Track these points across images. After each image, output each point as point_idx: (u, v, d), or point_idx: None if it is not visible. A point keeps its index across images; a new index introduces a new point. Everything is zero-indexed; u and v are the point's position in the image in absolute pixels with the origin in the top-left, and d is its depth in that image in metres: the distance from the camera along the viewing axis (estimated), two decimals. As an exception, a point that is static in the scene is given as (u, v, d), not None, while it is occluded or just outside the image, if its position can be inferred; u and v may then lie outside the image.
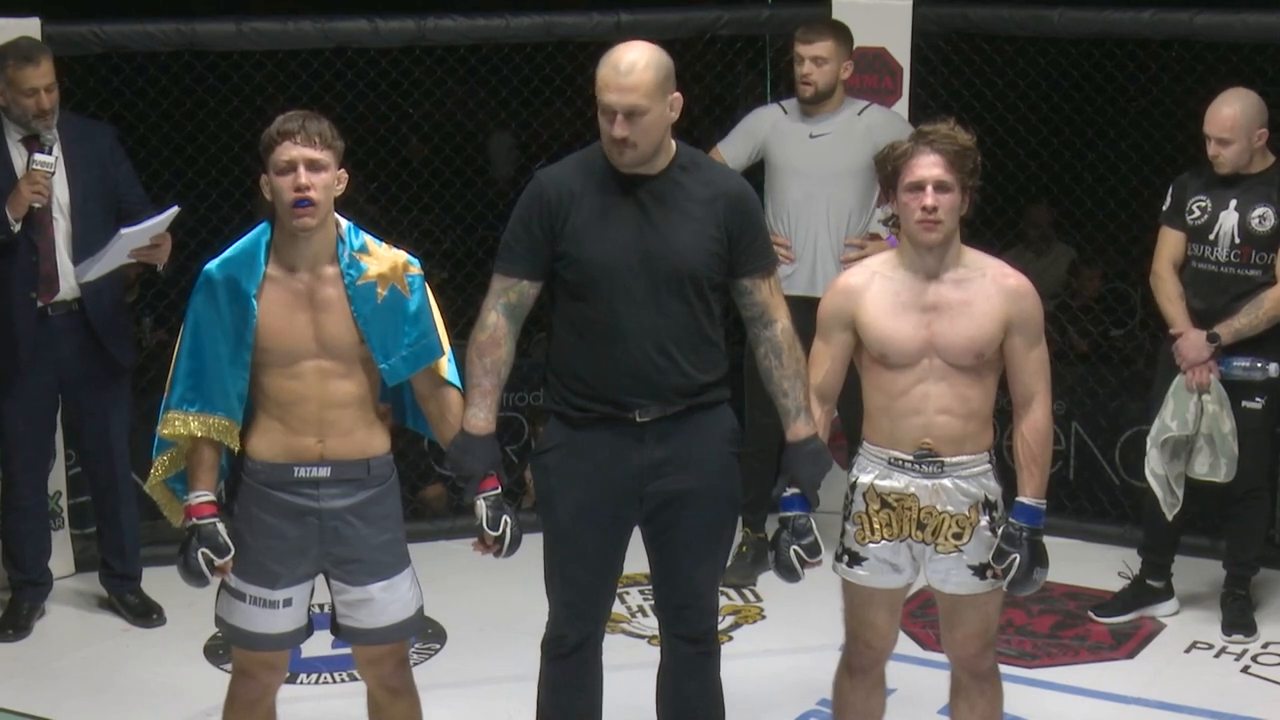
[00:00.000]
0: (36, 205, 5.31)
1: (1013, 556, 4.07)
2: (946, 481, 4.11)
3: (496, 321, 4.09)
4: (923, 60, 6.39)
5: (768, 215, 5.75)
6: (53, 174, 5.33)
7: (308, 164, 3.89)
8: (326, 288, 3.96)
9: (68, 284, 5.45)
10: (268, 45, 6.23)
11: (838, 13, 6.26)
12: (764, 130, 5.90)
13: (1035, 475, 4.12)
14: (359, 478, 4.03)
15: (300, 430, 3.98)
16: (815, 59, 5.75)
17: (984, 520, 4.13)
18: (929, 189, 4.01)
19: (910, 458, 4.11)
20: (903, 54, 6.31)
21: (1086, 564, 5.99)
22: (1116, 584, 5.92)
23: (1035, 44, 6.49)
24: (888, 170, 4.09)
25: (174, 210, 5.40)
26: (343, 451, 4.00)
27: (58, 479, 5.89)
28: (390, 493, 4.11)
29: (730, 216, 4.06)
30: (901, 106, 6.25)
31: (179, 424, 3.99)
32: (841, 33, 5.84)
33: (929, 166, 4.02)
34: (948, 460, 4.11)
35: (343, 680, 5.21)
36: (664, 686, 4.40)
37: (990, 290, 4.08)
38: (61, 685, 5.28)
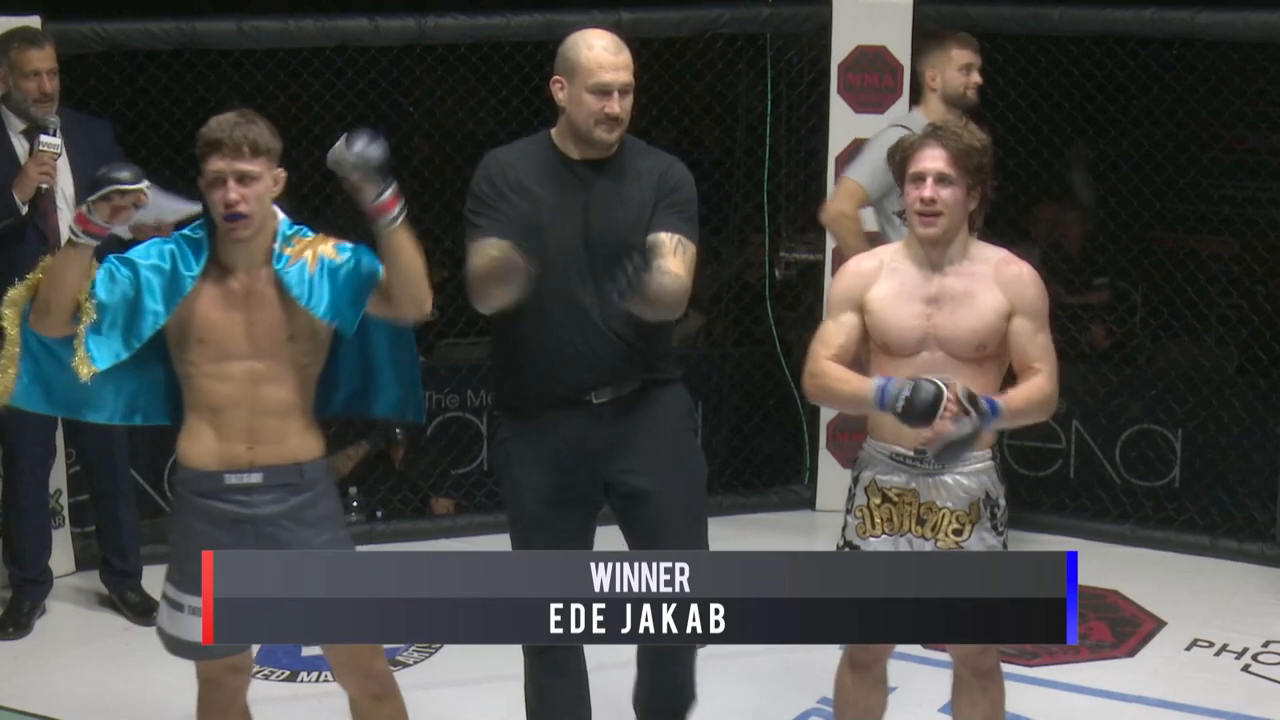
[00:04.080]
0: (44, 187, 5.31)
1: (964, 423, 3.90)
2: (947, 478, 4.10)
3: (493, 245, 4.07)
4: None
5: (894, 237, 5.55)
6: (59, 155, 5.32)
7: (237, 177, 3.77)
8: (261, 286, 3.87)
9: None
10: (268, 44, 6.22)
11: (838, 10, 6.27)
12: None
13: (1015, 396, 4.03)
14: (292, 482, 3.91)
15: (230, 436, 3.87)
16: (980, 67, 5.67)
17: (986, 518, 4.12)
18: (929, 181, 4.03)
19: (911, 453, 4.10)
20: (903, 52, 6.31)
21: (1086, 564, 5.96)
22: (1117, 583, 5.92)
23: (1036, 42, 6.50)
24: (897, 161, 4.12)
25: (197, 208, 5.36)
26: (274, 457, 3.89)
27: (58, 477, 5.89)
28: (325, 494, 3.98)
29: (662, 185, 4.15)
30: (902, 105, 6.25)
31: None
32: None
33: (932, 159, 4.04)
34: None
35: (343, 679, 5.21)
36: (640, 676, 4.47)
37: (991, 280, 4.09)
38: (62, 683, 5.28)
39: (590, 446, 4.17)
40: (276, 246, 3.88)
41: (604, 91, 4.08)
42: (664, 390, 4.24)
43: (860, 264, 4.20)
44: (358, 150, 3.76)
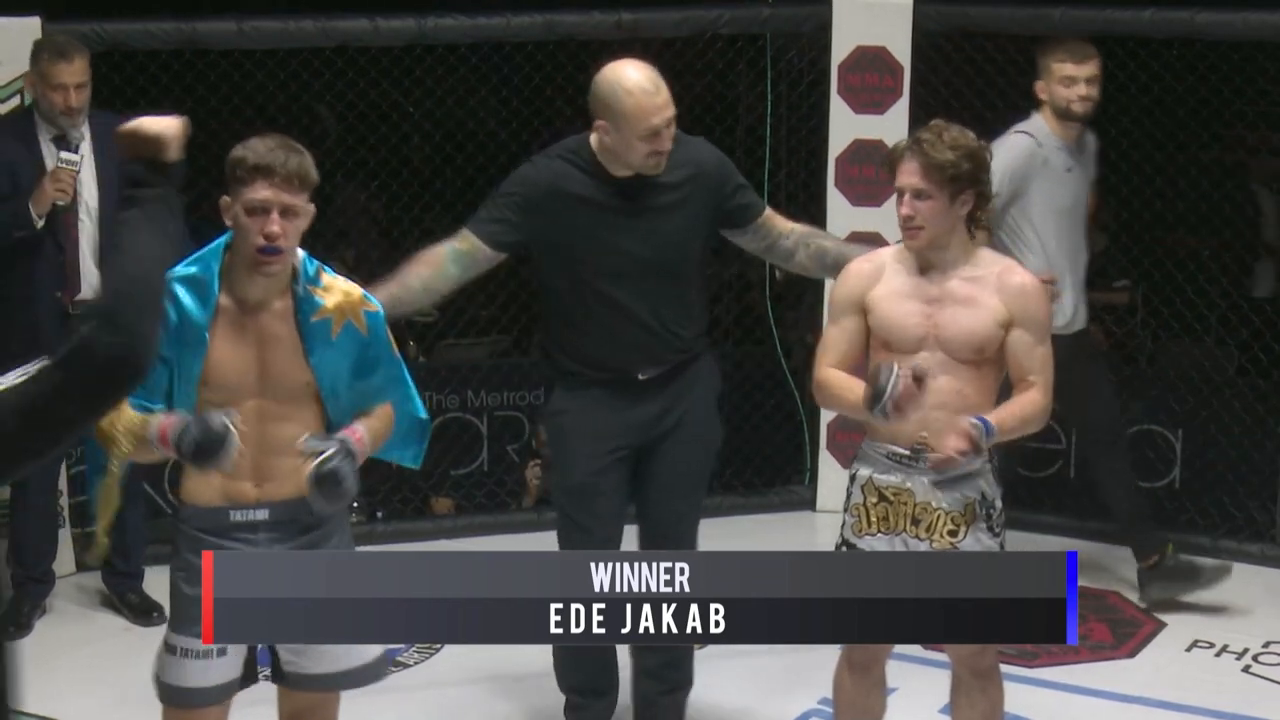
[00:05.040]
0: (60, 204, 5.32)
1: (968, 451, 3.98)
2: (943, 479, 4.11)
3: (441, 251, 4.39)
4: (924, 59, 6.39)
5: (1016, 254, 5.43)
6: (78, 172, 5.33)
7: (282, 209, 3.58)
8: (276, 323, 3.68)
9: (89, 286, 5.45)
10: (268, 44, 6.23)
11: (838, 11, 6.27)
12: (1027, 167, 5.52)
13: (1007, 413, 4.06)
14: (298, 518, 3.72)
15: (237, 473, 3.65)
16: (1090, 79, 5.50)
17: (981, 520, 4.12)
18: (907, 197, 4.05)
19: (907, 453, 4.10)
20: (903, 53, 6.31)
21: (1087, 564, 5.98)
22: (1117, 583, 5.92)
23: (1037, 42, 6.49)
24: (888, 171, 4.14)
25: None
26: (282, 493, 3.70)
27: (60, 478, 5.89)
28: (337, 530, 3.81)
29: (711, 188, 4.47)
30: (902, 106, 6.26)
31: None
32: (1097, 49, 5.62)
33: (907, 174, 4.05)
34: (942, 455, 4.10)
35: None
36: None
37: (994, 288, 4.10)
38: (62, 683, 5.28)
39: (636, 416, 4.49)
40: (301, 287, 3.69)
41: (652, 134, 4.27)
42: (697, 363, 4.59)
43: (861, 266, 4.23)
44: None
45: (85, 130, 5.42)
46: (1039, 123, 5.55)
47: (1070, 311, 5.58)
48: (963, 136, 4.06)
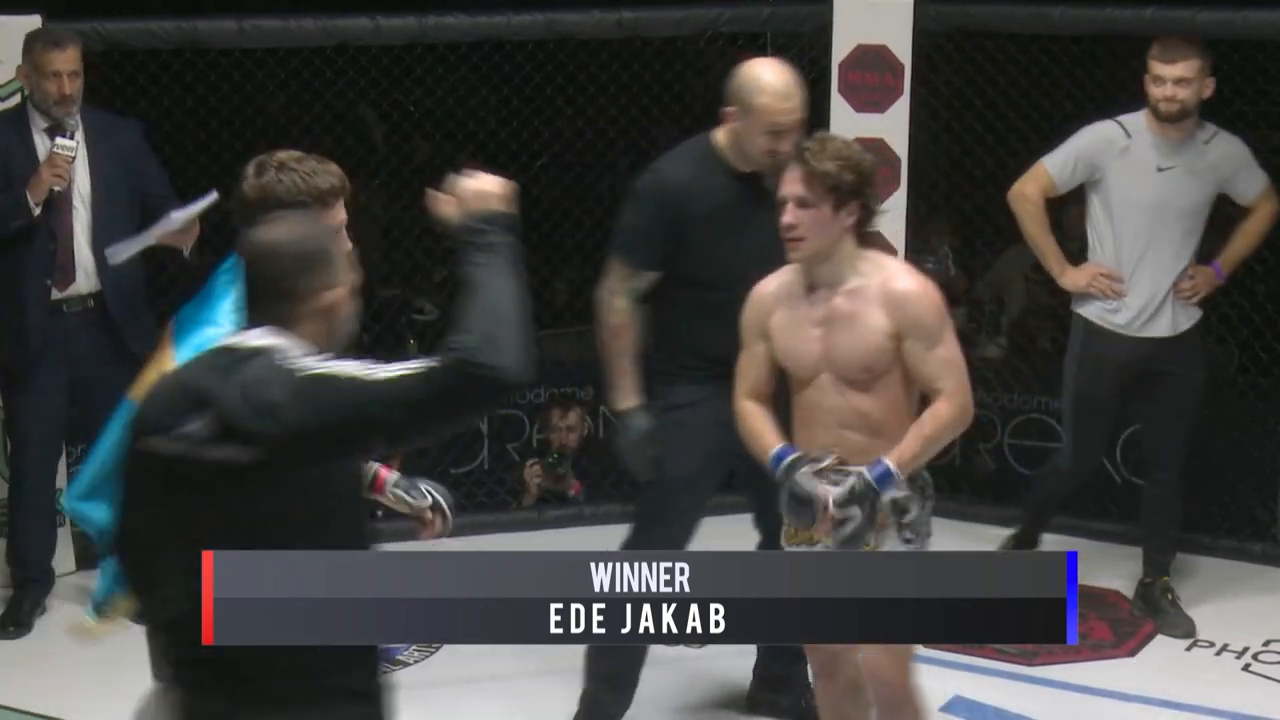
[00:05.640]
0: (57, 189, 5.32)
1: (853, 513, 3.97)
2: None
3: (624, 306, 4.60)
4: (924, 58, 6.39)
5: (1092, 240, 5.54)
6: (74, 158, 5.33)
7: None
8: None
9: (85, 275, 5.45)
10: (269, 43, 6.23)
11: (839, 9, 6.27)
12: (1101, 154, 5.48)
13: (909, 445, 4.00)
14: None
15: None
16: (1179, 80, 5.34)
17: (892, 527, 4.06)
18: (789, 205, 4.00)
19: (820, 466, 4.05)
20: (904, 51, 6.30)
21: (1087, 562, 5.97)
22: (1117, 582, 5.92)
23: (1037, 41, 6.49)
24: (772, 183, 4.11)
25: (213, 197, 5.36)
26: None
27: (59, 476, 5.89)
28: None
29: None
30: (903, 105, 6.25)
31: None
32: (1201, 48, 5.42)
33: (790, 182, 4.01)
34: (852, 469, 4.02)
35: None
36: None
37: (877, 301, 4.01)
38: (63, 682, 5.29)
39: (711, 419, 4.52)
40: None
41: (775, 133, 4.41)
42: None
43: (762, 291, 4.18)
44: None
45: (78, 119, 5.42)
46: (1139, 115, 5.47)
47: (1138, 314, 5.49)
48: (847, 148, 4.03)
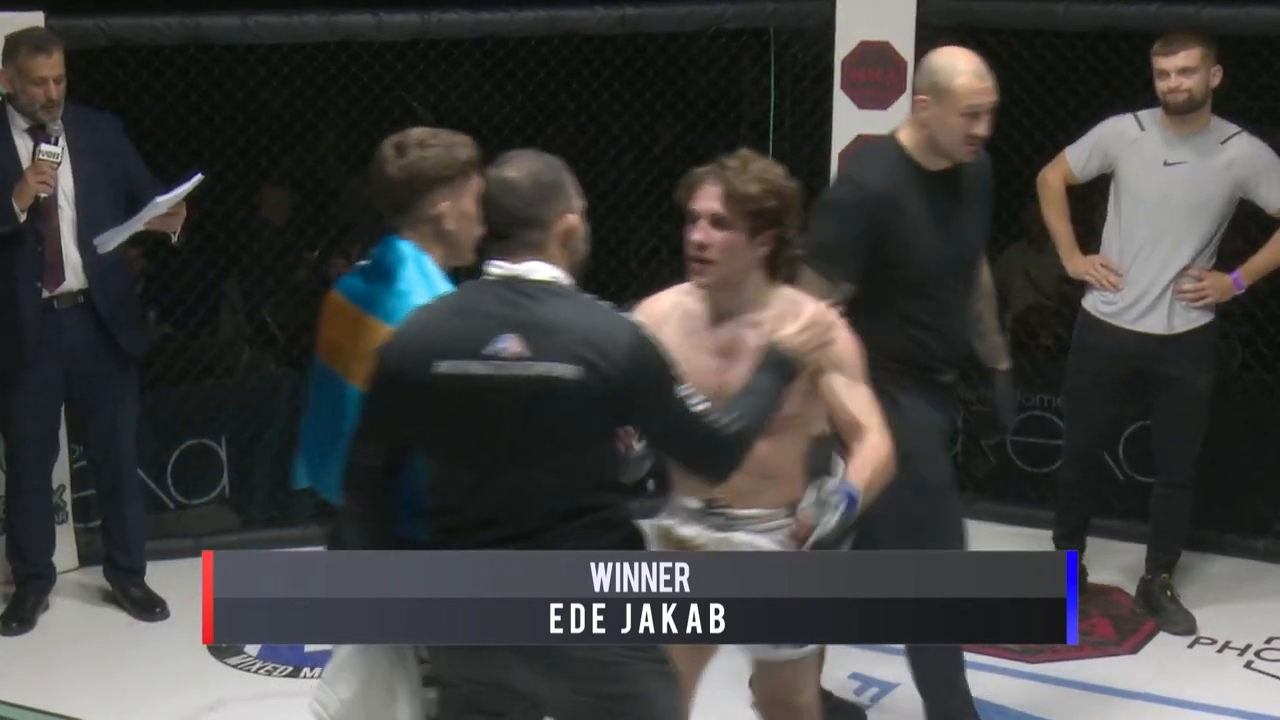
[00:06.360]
0: (43, 196, 5.32)
1: (827, 521, 3.47)
2: (738, 534, 3.74)
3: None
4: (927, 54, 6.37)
5: (1105, 231, 5.52)
6: (59, 164, 5.32)
7: None
8: None
9: (74, 273, 5.45)
10: (272, 39, 6.22)
11: (842, 6, 6.26)
12: (1114, 145, 5.46)
13: (863, 475, 3.59)
14: None
15: None
16: (1182, 70, 5.28)
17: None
18: (702, 222, 3.62)
19: (699, 506, 3.76)
20: (907, 48, 6.29)
21: (1089, 560, 5.98)
22: (1118, 579, 5.92)
23: (1040, 37, 6.48)
24: (683, 196, 3.69)
25: (198, 178, 5.36)
26: None
27: (62, 472, 5.89)
28: None
29: (988, 192, 4.68)
30: (905, 101, 6.24)
31: None
32: (1203, 37, 5.37)
33: (708, 198, 3.62)
34: (739, 513, 3.73)
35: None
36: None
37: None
38: (65, 679, 5.29)
39: (937, 424, 4.55)
40: None
41: (974, 114, 4.39)
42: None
43: (654, 305, 3.79)
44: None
45: (61, 124, 5.40)
46: (1155, 110, 5.43)
47: (1130, 307, 5.46)
48: (769, 171, 3.67)
